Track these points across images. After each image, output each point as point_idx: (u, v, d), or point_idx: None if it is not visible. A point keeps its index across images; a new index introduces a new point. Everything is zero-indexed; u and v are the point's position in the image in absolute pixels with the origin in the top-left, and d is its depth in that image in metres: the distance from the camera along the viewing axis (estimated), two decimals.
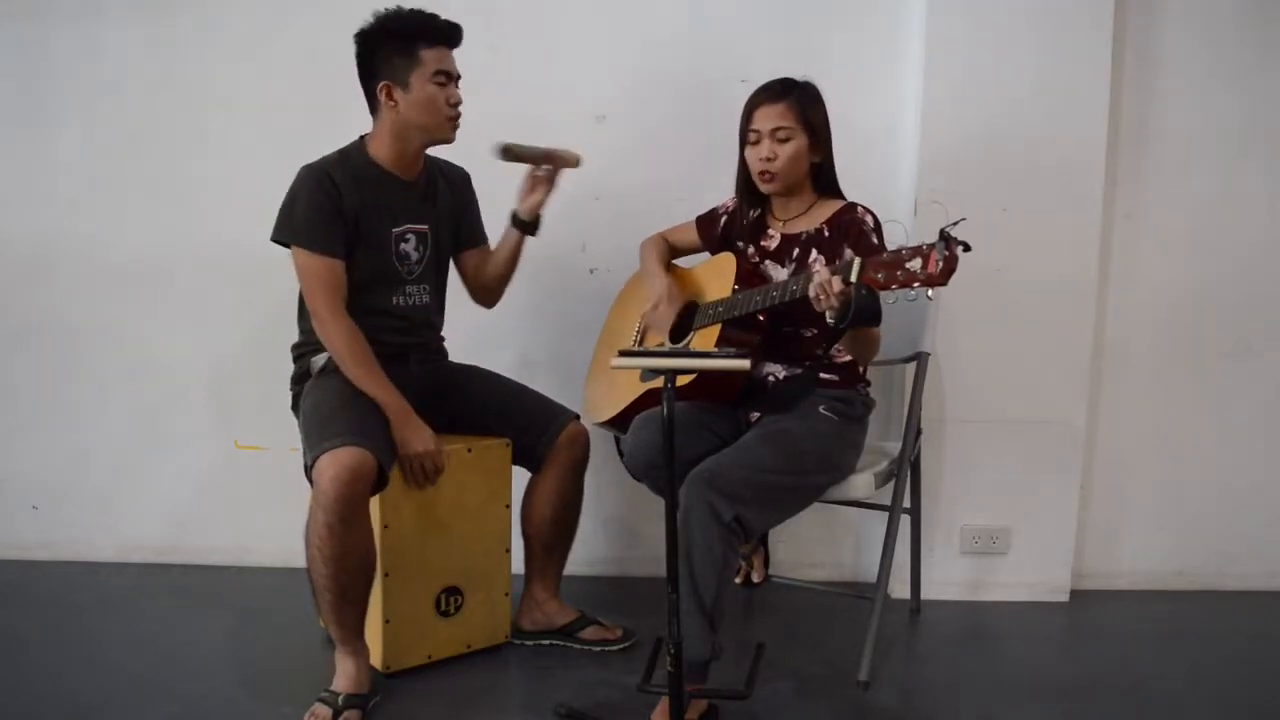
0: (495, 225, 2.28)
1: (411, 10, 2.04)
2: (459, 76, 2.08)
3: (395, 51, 2.02)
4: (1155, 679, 2.17)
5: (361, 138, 2.12)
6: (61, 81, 2.62)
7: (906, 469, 2.23)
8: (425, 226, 2.16)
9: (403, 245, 2.12)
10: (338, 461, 1.85)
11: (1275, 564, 2.66)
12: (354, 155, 2.09)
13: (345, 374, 2.02)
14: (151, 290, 2.67)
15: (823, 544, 2.70)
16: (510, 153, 2.12)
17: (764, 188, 2.05)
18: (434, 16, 2.04)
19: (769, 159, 2.00)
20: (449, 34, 2.05)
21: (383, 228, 2.09)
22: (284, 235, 2.04)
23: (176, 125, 2.62)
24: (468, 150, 2.15)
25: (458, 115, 2.08)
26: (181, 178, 2.63)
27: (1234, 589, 2.66)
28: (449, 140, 2.10)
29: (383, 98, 2.04)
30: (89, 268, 2.67)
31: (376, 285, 2.10)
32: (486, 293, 2.31)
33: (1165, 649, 2.34)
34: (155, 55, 2.60)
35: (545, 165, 2.18)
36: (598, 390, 2.28)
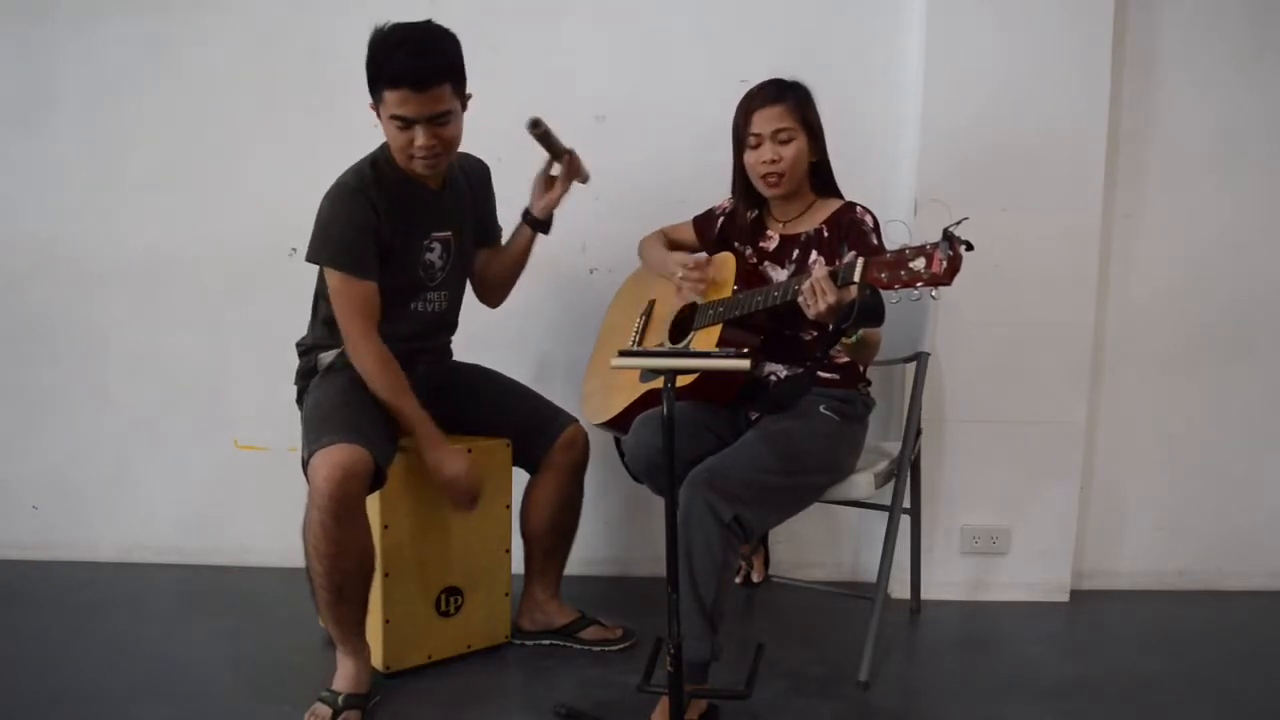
0: (505, 223, 2.28)
1: (383, 38, 1.88)
2: (433, 118, 1.89)
3: (370, 79, 1.91)
4: (1155, 679, 2.16)
5: (386, 143, 2.04)
6: (61, 81, 2.62)
7: (906, 469, 2.23)
8: (449, 233, 2.11)
9: (428, 255, 2.09)
10: (331, 459, 1.83)
11: (1275, 564, 2.66)
12: (382, 166, 2.01)
13: (376, 395, 1.98)
14: (152, 290, 2.67)
15: (823, 544, 2.70)
16: (539, 128, 2.04)
17: (769, 192, 2.03)
18: (394, 55, 1.85)
19: (774, 160, 1.98)
20: (403, 77, 1.84)
21: (414, 241, 2.05)
22: (321, 258, 1.98)
23: (177, 125, 2.62)
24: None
25: (428, 158, 1.93)
26: (182, 178, 2.63)
27: (1234, 589, 2.66)
28: (425, 177, 2.00)
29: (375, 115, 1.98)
30: (89, 268, 2.67)
31: (397, 293, 2.05)
32: (493, 291, 2.29)
33: (1165, 649, 2.33)
34: (155, 55, 2.60)
35: (563, 165, 2.13)
36: (596, 390, 2.28)
